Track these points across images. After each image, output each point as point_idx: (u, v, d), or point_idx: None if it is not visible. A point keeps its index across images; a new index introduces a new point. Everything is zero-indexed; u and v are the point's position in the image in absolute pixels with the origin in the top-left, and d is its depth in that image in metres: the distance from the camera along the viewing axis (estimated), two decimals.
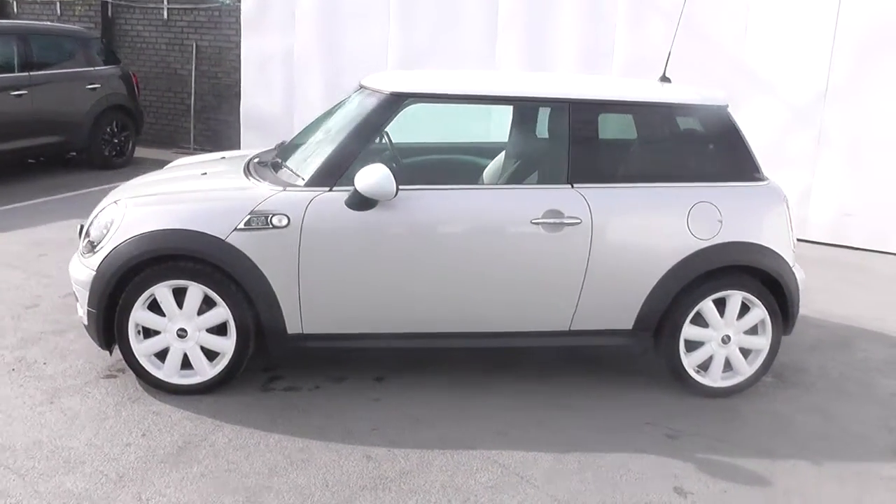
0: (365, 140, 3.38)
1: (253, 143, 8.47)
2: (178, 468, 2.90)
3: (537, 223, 3.36)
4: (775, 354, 3.63)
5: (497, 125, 4.14)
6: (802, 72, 6.49)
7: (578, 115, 3.44)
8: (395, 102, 3.40)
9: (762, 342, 3.59)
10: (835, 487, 2.98)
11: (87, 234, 3.49)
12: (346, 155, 3.36)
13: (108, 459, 2.95)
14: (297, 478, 2.87)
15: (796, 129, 6.55)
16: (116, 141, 8.03)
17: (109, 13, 9.70)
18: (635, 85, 3.86)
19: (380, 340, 3.47)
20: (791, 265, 3.57)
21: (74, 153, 7.95)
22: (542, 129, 3.59)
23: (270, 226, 3.28)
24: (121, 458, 2.95)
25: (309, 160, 3.53)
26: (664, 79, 4.02)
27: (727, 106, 3.61)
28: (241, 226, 3.28)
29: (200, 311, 3.34)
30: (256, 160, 3.85)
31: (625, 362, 3.93)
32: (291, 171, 3.52)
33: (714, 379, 3.61)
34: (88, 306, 3.36)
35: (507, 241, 3.38)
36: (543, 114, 3.57)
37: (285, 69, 8.34)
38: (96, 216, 3.49)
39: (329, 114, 4.05)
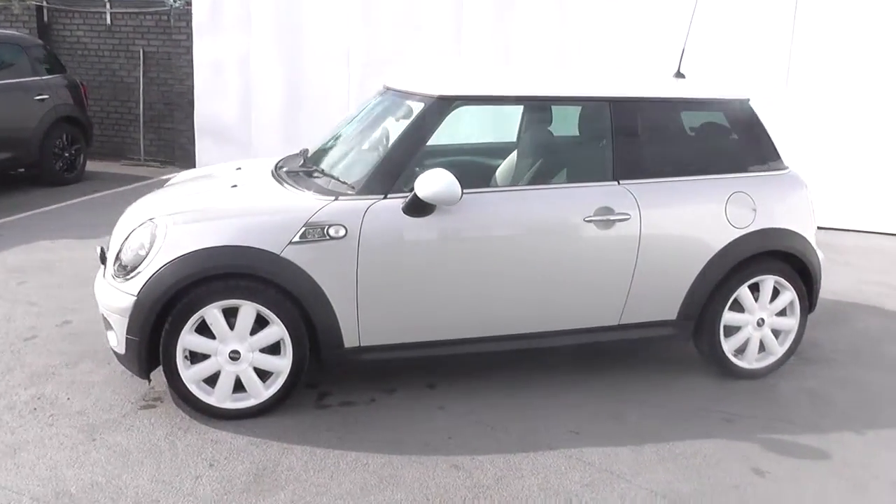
0: (416, 145, 3.30)
1: (209, 151, 8.14)
2: (264, 496, 2.75)
3: (590, 220, 3.39)
4: (803, 333, 3.83)
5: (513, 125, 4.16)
6: (764, 60, 6.82)
7: (620, 113, 3.50)
8: (444, 106, 3.34)
9: (792, 323, 3.78)
10: (890, 455, 3.17)
11: (118, 258, 3.24)
12: (398, 161, 3.28)
13: (182, 495, 2.77)
14: (394, 494, 2.79)
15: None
16: (67, 155, 7.49)
17: (45, 18, 9.01)
18: (668, 82, 3.96)
19: (436, 348, 3.41)
20: (815, 247, 3.77)
21: (23, 169, 7.35)
22: (585, 127, 3.63)
23: (327, 237, 3.16)
24: (196, 492, 2.78)
25: (355, 167, 3.42)
26: (679, 74, 4.14)
27: (749, 99, 3.77)
28: (297, 239, 3.14)
29: (253, 331, 3.19)
30: (284, 168, 3.70)
31: (654, 352, 4.03)
32: (335, 178, 3.40)
33: (750, 361, 3.77)
34: (128, 334, 3.13)
35: (562, 240, 3.40)
36: (585, 113, 3.61)
37: (242, 74, 8.03)
38: (128, 237, 3.25)
39: (358, 118, 3.95)
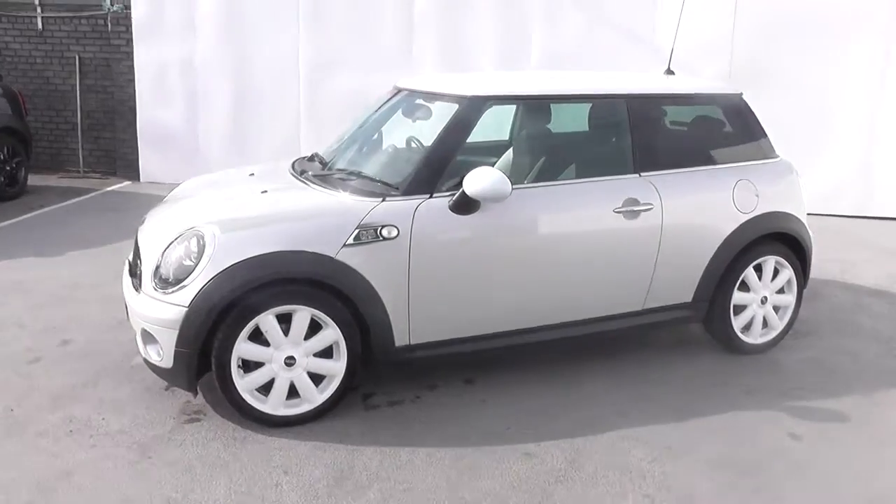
0: (456, 145, 3.37)
1: (153, 161, 7.85)
2: (353, 497, 2.76)
3: (619, 212, 3.56)
4: (799, 308, 4.15)
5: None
6: (708, 55, 7.24)
7: (636, 108, 3.70)
8: (479, 105, 3.42)
9: (790, 299, 4.09)
10: None
11: (157, 271, 3.14)
12: (440, 161, 3.33)
13: (270, 503, 2.74)
14: (480, 485, 2.85)
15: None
16: (8, 169, 7.03)
17: None
18: (673, 79, 4.20)
19: (480, 342, 3.48)
20: (807, 228, 4.10)
21: None
22: (605, 123, 3.79)
23: (380, 238, 3.18)
24: (282, 499, 2.75)
25: (393, 168, 3.47)
26: (669, 72, 4.39)
27: (742, 93, 4.06)
28: (351, 241, 3.15)
29: (307, 336, 3.17)
30: (309, 172, 3.68)
31: (654, 338, 4.24)
32: (374, 180, 3.42)
33: (755, 337, 4.05)
34: (179, 347, 3.04)
35: (595, 231, 3.55)
36: (605, 109, 3.77)
37: (186, 79, 7.78)
38: (167, 249, 3.15)
39: (373, 119, 4.01)
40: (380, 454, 3.04)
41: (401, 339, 3.32)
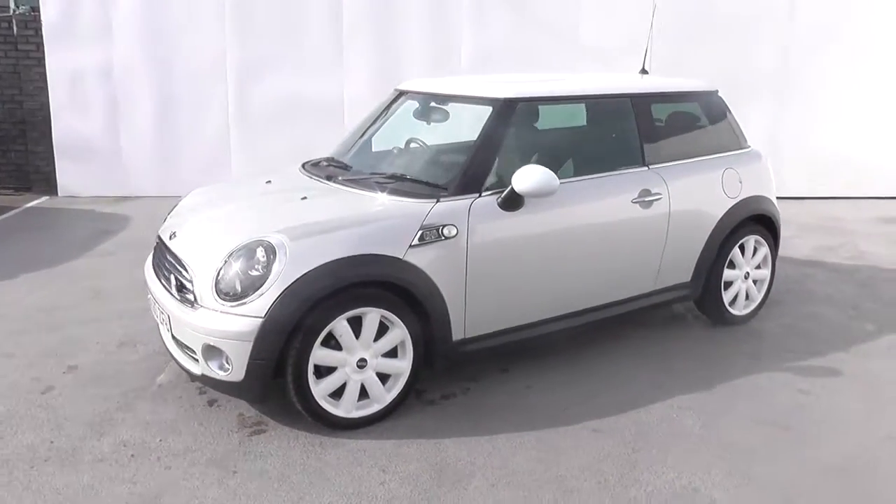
0: (497, 144, 3.52)
1: (72, 173, 7.36)
2: (463, 486, 2.86)
3: (636, 202, 3.86)
4: (773, 280, 4.64)
5: None
6: (629, 52, 7.70)
7: (639, 106, 4.01)
8: (510, 107, 3.59)
9: (766, 273, 4.56)
10: (882, 362, 4.01)
11: (218, 284, 3.07)
12: (485, 160, 3.48)
13: (384, 500, 2.78)
14: (573, 462, 3.03)
15: None
16: None
17: None
18: (663, 79, 4.55)
19: (524, 331, 3.66)
20: (777, 208, 4.58)
21: None
22: (615, 120, 4.06)
23: (442, 237, 3.29)
24: (396, 494, 2.81)
25: (437, 169, 3.60)
26: (643, 71, 4.74)
27: (718, 90, 4.48)
28: (416, 242, 3.23)
29: (374, 337, 3.23)
30: (339, 177, 3.70)
31: (643, 319, 4.59)
32: (418, 181, 3.52)
33: (740, 309, 4.48)
34: (253, 358, 3.01)
35: (619, 221, 3.82)
36: (615, 108, 4.04)
37: (105, 86, 7.35)
38: (227, 261, 3.09)
39: (388, 122, 4.10)
40: (463, 444, 3.16)
41: (457, 334, 3.44)
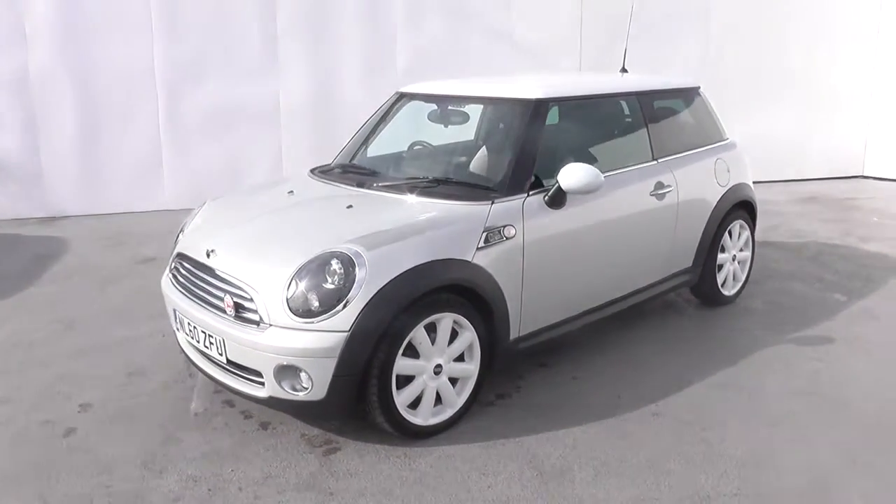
0: (537, 144, 3.57)
1: None
2: (570, 477, 2.89)
3: (653, 194, 4.03)
4: (753, 261, 4.98)
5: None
6: (561, 49, 7.97)
7: (646, 103, 4.19)
8: (544, 107, 3.66)
9: (748, 254, 4.89)
10: (863, 327, 4.39)
11: (289, 301, 2.93)
12: (529, 160, 3.52)
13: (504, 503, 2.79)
14: (653, 445, 3.14)
15: None
16: None
17: None
18: (654, 77, 4.72)
19: (565, 326, 3.73)
20: (755, 193, 4.91)
21: None
22: (626, 117, 4.20)
23: (504, 238, 3.30)
24: (509, 495, 2.80)
25: (482, 170, 3.62)
26: (623, 70, 4.94)
27: (700, 86, 4.74)
28: (482, 244, 3.23)
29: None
30: (374, 182, 3.64)
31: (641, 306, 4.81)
32: (466, 184, 3.51)
33: (729, 290, 4.78)
34: (338, 374, 2.90)
35: (641, 212, 3.98)
36: (626, 105, 4.18)
37: (21, 96, 6.73)
38: (296, 276, 2.95)
39: (397, 125, 4.04)
40: (544, 440, 3.19)
41: (514, 332, 3.47)
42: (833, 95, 8.66)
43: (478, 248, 3.22)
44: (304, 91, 7.57)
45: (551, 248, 3.52)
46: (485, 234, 3.25)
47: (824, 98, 8.62)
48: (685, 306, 4.79)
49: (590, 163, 3.82)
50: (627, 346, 4.15)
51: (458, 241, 3.19)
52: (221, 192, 7.37)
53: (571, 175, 3.43)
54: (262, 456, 3.11)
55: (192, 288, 3.36)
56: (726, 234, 4.63)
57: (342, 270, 2.94)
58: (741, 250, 4.83)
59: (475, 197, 3.39)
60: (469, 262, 3.19)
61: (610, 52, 7.97)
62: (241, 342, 3.04)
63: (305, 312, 2.93)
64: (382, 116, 4.29)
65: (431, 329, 3.12)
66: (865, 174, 8.96)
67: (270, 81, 7.46)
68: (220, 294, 3.16)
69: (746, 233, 4.83)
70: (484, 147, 3.79)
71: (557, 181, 3.44)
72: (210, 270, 3.26)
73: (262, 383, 3.06)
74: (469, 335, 3.24)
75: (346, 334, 2.89)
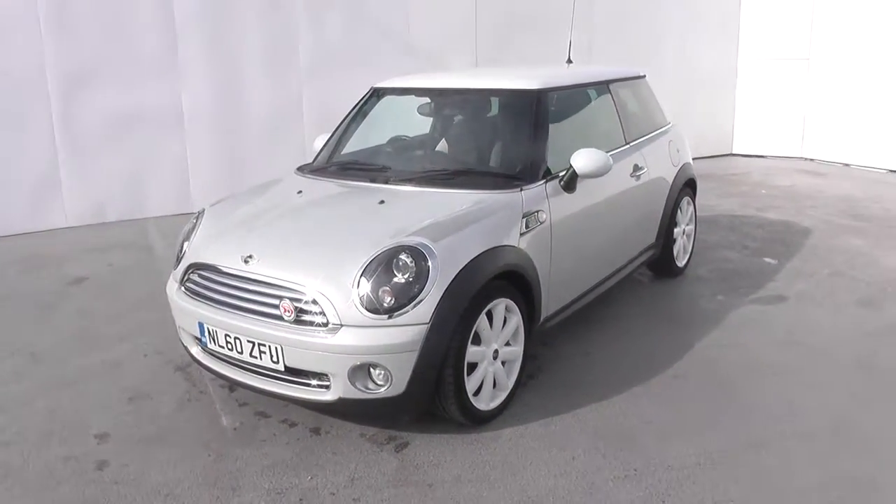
0: (545, 132, 3.71)
1: None
2: (643, 444, 3.07)
3: (632, 176, 4.32)
4: (696, 233, 5.44)
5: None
6: (457, 47, 8.13)
7: (616, 90, 4.48)
8: (545, 97, 3.82)
9: (693, 227, 5.34)
10: (803, 284, 4.95)
11: (363, 299, 2.88)
12: (544, 148, 3.66)
13: (596, 470, 2.90)
14: (691, 405, 3.40)
15: None
16: None
17: None
18: (611, 67, 4.98)
19: (575, 304, 3.90)
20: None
21: None
22: (603, 105, 4.41)
23: (539, 223, 3.43)
24: (606, 468, 2.92)
25: (501, 159, 3.74)
26: (569, 61, 5.20)
27: (645, 75, 5.10)
28: (524, 229, 3.34)
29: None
30: (389, 178, 3.64)
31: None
32: (489, 174, 3.60)
33: (681, 260, 5.20)
34: (419, 368, 2.90)
35: (625, 192, 4.24)
36: (602, 93, 4.40)
37: None
38: (366, 273, 2.90)
39: (380, 121, 4.08)
40: (591, 412, 3.34)
41: (544, 313, 3.61)
42: (704, 81, 9.54)
43: (521, 234, 3.33)
44: (208, 92, 7.22)
45: (569, 230, 3.69)
46: (525, 220, 3.36)
47: (696, 84, 9.47)
48: (643, 280, 5.16)
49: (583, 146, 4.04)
50: (618, 321, 4.41)
51: (507, 227, 3.28)
52: (124, 207, 7.01)
53: (585, 159, 3.61)
54: (335, 460, 3.04)
55: (227, 298, 3.18)
56: (678, 209, 5.05)
57: (413, 264, 2.94)
58: (688, 224, 5.28)
59: (505, 185, 3.49)
60: (517, 247, 3.29)
61: (505, 49, 8.35)
62: (307, 346, 2.94)
63: (381, 309, 2.90)
64: (362, 113, 4.26)
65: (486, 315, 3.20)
66: (734, 152, 9.97)
67: (171, 83, 7.04)
68: (271, 300, 3.04)
69: (691, 208, 5.28)
70: (494, 137, 3.89)
71: (571, 165, 3.62)
72: (249, 279, 3.12)
73: (328, 386, 3.00)
74: (516, 319, 3.34)
75: (426, 326, 2.90)
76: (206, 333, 3.26)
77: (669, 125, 5.15)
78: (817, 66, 9.32)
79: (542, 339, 3.99)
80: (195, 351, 3.44)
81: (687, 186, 5.13)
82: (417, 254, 2.96)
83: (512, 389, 3.39)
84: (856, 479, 2.83)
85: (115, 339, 4.33)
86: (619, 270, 4.38)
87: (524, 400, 3.47)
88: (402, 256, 2.95)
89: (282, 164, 7.42)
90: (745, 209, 7.03)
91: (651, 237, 4.77)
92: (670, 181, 4.85)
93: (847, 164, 9.10)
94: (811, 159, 9.49)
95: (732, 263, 5.45)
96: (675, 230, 5.04)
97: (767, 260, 5.50)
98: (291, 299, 2.99)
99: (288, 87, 7.60)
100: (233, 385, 3.61)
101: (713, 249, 5.79)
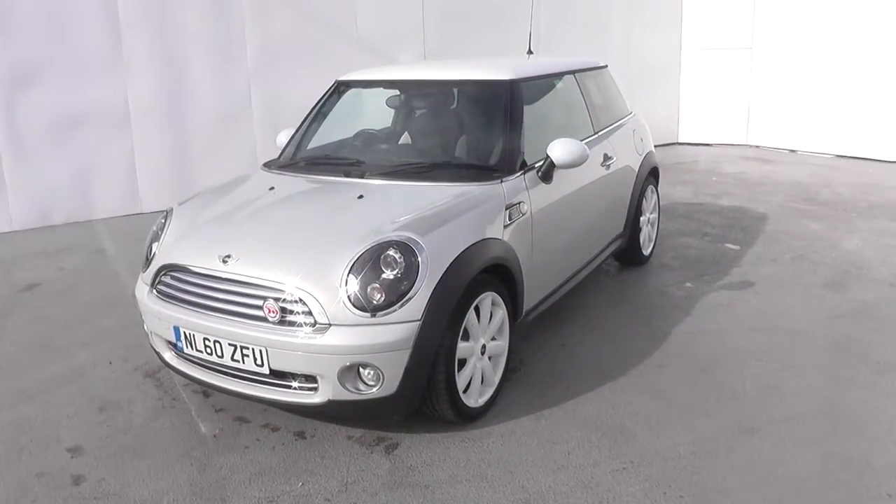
0: (520, 123, 3.67)
1: None
2: (632, 434, 3.07)
3: (603, 165, 4.32)
4: (659, 221, 5.50)
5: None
6: (404, 41, 8.03)
7: (581, 81, 4.47)
8: (517, 87, 3.78)
9: (656, 215, 5.39)
10: (768, 269, 5.05)
11: (351, 297, 2.79)
12: (520, 139, 3.62)
13: (593, 464, 2.88)
14: (682, 391, 3.42)
15: None
16: None
17: None
18: (572, 57, 4.92)
19: (551, 297, 3.88)
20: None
21: None
22: (572, 95, 4.39)
23: (521, 214, 3.39)
24: (603, 462, 2.90)
25: (475, 151, 3.71)
26: (529, 52, 5.17)
27: (608, 66, 5.11)
28: (507, 221, 3.30)
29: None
30: (367, 172, 3.54)
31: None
32: (467, 166, 3.54)
33: (647, 247, 5.25)
34: (411, 364, 2.84)
35: (597, 181, 4.23)
36: (570, 83, 4.38)
37: None
38: (353, 270, 2.81)
39: (347, 114, 4.00)
40: (582, 403, 3.33)
41: (526, 305, 3.57)
42: (648, 72, 9.66)
43: (504, 226, 3.29)
44: (154, 90, 6.96)
45: (548, 221, 3.67)
46: (508, 212, 3.32)
47: (641, 75, 9.58)
48: (609, 270, 5.18)
49: (555, 136, 4.01)
50: (590, 312, 4.42)
51: (491, 220, 3.23)
52: (71, 209, 6.71)
53: (561, 150, 3.58)
54: (324, 464, 2.94)
55: (205, 300, 3.05)
56: (643, 198, 5.09)
57: (402, 259, 2.87)
58: (652, 212, 5.33)
59: (484, 177, 3.44)
60: (502, 240, 3.25)
61: (453, 42, 8.29)
62: (293, 348, 2.84)
63: (370, 306, 2.81)
64: (327, 106, 4.16)
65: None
66: (680, 141, 10.15)
67: (116, 81, 6.76)
68: (254, 301, 2.92)
69: (655, 196, 5.33)
70: (469, 128, 3.83)
71: (548, 156, 3.59)
72: (230, 278, 2.99)
73: (315, 388, 2.90)
74: (502, 312, 3.30)
75: (417, 323, 2.83)
76: (182, 337, 3.12)
77: (632, 114, 5.18)
78: (760, 55, 9.55)
79: (521, 333, 3.98)
80: (169, 356, 3.30)
81: (651, 175, 5.18)
82: (406, 249, 2.89)
83: (498, 385, 3.36)
84: (850, 459, 2.88)
85: (76, 346, 4.13)
86: (592, 260, 4.39)
87: (510, 395, 3.43)
88: (391, 252, 2.88)
89: (232, 162, 7.26)
90: (699, 197, 7.15)
91: (619, 226, 4.79)
92: (636, 170, 4.89)
93: (793, 150, 9.37)
94: (757, 146, 9.74)
95: (695, 250, 5.53)
96: (641, 219, 5.08)
97: (729, 246, 5.60)
98: (275, 299, 2.88)
99: (236, 84, 7.38)
100: (207, 390, 3.50)
101: (673, 237, 5.87)
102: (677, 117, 10.09)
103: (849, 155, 8.93)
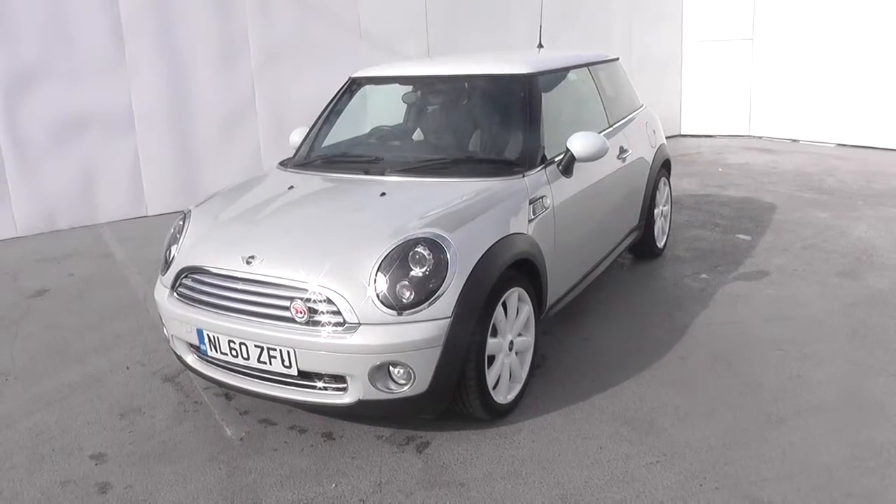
0: (541, 118, 3.64)
1: None
2: (666, 428, 3.05)
3: (619, 158, 4.30)
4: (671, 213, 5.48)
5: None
6: (409, 35, 8.00)
7: (595, 73, 4.44)
8: (535, 81, 3.75)
9: (669, 207, 5.37)
10: (781, 259, 5.04)
11: (380, 295, 2.76)
12: (538, 133, 3.59)
13: (625, 458, 2.85)
14: (706, 382, 3.41)
15: None
16: None
17: None
18: (583, 51, 4.86)
19: (572, 291, 3.86)
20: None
21: None
22: (587, 87, 4.36)
23: (544, 209, 3.37)
24: (637, 456, 2.88)
25: (496, 146, 3.68)
26: (540, 46, 5.14)
27: (619, 58, 5.09)
28: (532, 216, 3.28)
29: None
30: (386, 168, 3.52)
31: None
32: (488, 161, 3.51)
33: (661, 240, 5.23)
34: (442, 363, 2.81)
35: (614, 174, 4.20)
36: (585, 76, 4.35)
37: None
38: (382, 268, 2.78)
39: (358, 111, 3.96)
40: (610, 398, 3.32)
41: (549, 300, 3.55)
42: (650, 64, 9.65)
43: (529, 221, 3.27)
44: (158, 91, 6.90)
45: (569, 215, 3.64)
46: (532, 207, 3.30)
47: (643, 67, 9.55)
48: (624, 263, 5.17)
49: (574, 129, 4.00)
50: (609, 305, 4.40)
51: (516, 214, 3.21)
52: (76, 213, 6.65)
53: (582, 143, 3.56)
54: (356, 465, 2.92)
55: (229, 302, 3.01)
56: (657, 190, 5.07)
57: (430, 256, 2.84)
58: (665, 205, 5.31)
59: (507, 172, 3.41)
60: (527, 234, 3.23)
61: (457, 39, 8.26)
62: (322, 348, 2.81)
63: (399, 305, 2.78)
64: (341, 104, 4.12)
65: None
66: (682, 133, 10.14)
67: (119, 83, 6.70)
68: (281, 302, 2.89)
69: (667, 188, 5.31)
70: (489, 123, 3.80)
71: (569, 149, 3.57)
72: (254, 279, 2.96)
73: (345, 388, 2.88)
74: (527, 308, 3.27)
75: (448, 321, 2.80)
76: (206, 340, 3.08)
77: (643, 107, 5.16)
78: (761, 46, 9.55)
79: (542, 328, 3.95)
80: (191, 360, 3.27)
81: (663, 167, 5.16)
82: (434, 245, 2.86)
83: (525, 380, 3.34)
84: (880, 445, 2.87)
85: (91, 352, 4.08)
86: (610, 253, 4.37)
87: (536, 391, 3.41)
88: (419, 249, 2.85)
89: (237, 163, 7.22)
90: (706, 188, 7.15)
91: (635, 219, 4.77)
92: (650, 162, 4.86)
93: (796, 140, 9.39)
94: (759, 137, 9.75)
95: (707, 242, 5.51)
96: (655, 211, 5.07)
97: (741, 236, 5.59)
98: (303, 300, 2.85)
99: (240, 85, 7.33)
100: (230, 393, 3.46)
101: (684, 229, 5.86)
102: (679, 109, 10.09)
103: (851, 144, 8.95)
